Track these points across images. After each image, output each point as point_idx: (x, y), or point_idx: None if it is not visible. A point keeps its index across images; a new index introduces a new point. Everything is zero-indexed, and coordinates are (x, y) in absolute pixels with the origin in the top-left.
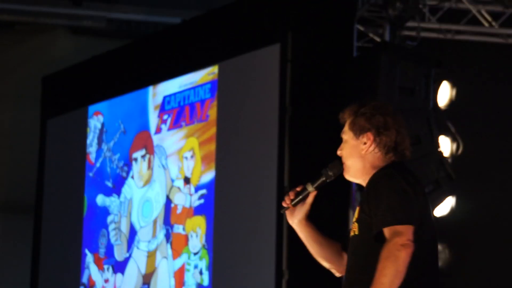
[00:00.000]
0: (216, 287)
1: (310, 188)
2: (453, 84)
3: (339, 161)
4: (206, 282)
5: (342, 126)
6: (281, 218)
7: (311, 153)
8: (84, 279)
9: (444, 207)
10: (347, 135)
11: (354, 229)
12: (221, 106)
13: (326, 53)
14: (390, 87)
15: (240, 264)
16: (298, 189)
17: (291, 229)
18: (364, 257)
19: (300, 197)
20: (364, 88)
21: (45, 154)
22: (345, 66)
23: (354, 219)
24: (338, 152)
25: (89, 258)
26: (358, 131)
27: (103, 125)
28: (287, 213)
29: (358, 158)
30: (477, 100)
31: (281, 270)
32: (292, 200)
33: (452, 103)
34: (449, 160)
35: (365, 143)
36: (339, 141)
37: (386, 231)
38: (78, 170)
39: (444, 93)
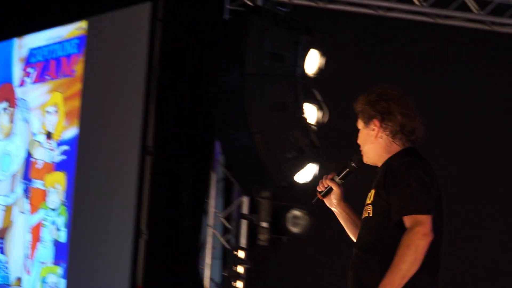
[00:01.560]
0: (74, 245)
1: (337, 179)
2: (323, 52)
3: (359, 152)
4: (63, 239)
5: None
6: (142, 178)
7: (177, 114)
8: None
9: (307, 174)
10: (360, 124)
11: (369, 211)
12: (88, 62)
13: (197, 14)
14: (259, 52)
15: (98, 223)
16: (326, 181)
17: (152, 190)
18: (376, 239)
19: (328, 188)
20: (233, 51)
21: None
22: (216, 28)
23: (369, 201)
24: (358, 141)
25: None
26: (367, 119)
27: None
28: (325, 200)
29: (371, 145)
30: (346, 69)
31: (139, 229)
32: (321, 192)
33: (320, 72)
34: (314, 127)
35: (373, 130)
36: (207, 101)
37: (407, 219)
38: None
39: (313, 61)
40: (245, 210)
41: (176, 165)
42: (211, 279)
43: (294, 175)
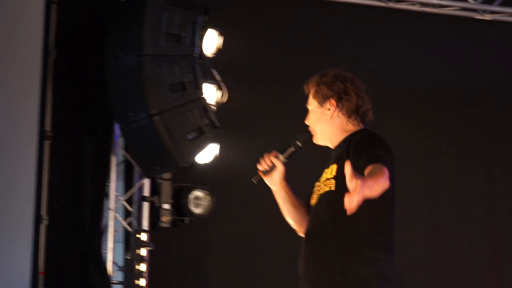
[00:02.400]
0: None
1: (281, 158)
2: (220, 32)
3: (305, 131)
4: None
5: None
6: (41, 164)
7: (75, 97)
8: None
9: (208, 155)
10: (312, 104)
11: (330, 185)
12: None
13: None
14: (156, 33)
15: None
16: (270, 159)
17: (52, 175)
18: (340, 211)
19: (271, 167)
20: (130, 32)
21: None
22: (112, 9)
23: (330, 176)
24: (306, 122)
25: None
26: (322, 99)
27: None
28: (266, 178)
29: (326, 124)
30: (244, 49)
31: (39, 215)
32: (264, 171)
33: (218, 51)
34: (214, 108)
35: (329, 109)
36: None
37: (373, 165)
38: None
39: (211, 41)
40: (146, 192)
41: (76, 149)
42: (114, 263)
43: (195, 156)
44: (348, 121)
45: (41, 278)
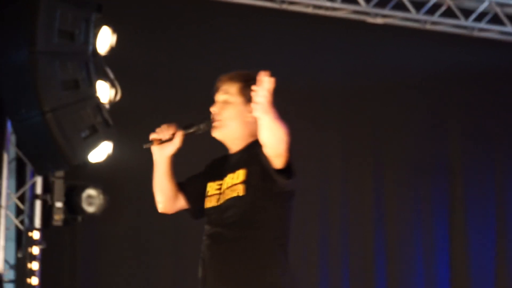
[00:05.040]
0: None
1: (180, 132)
2: (114, 30)
3: (211, 119)
4: None
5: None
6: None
7: None
8: None
9: (101, 153)
10: (234, 98)
11: (238, 190)
12: None
13: None
14: (48, 30)
15: None
16: (171, 130)
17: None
18: (252, 215)
19: (168, 138)
20: (22, 28)
21: None
22: (3, 4)
23: (237, 181)
24: (214, 110)
25: None
26: (249, 99)
27: None
28: (156, 147)
29: (241, 123)
30: (138, 47)
31: None
32: (160, 140)
33: (112, 50)
34: (107, 106)
35: (251, 112)
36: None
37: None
38: None
39: (104, 39)
40: (38, 190)
41: None
42: (6, 261)
43: (87, 154)
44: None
45: None
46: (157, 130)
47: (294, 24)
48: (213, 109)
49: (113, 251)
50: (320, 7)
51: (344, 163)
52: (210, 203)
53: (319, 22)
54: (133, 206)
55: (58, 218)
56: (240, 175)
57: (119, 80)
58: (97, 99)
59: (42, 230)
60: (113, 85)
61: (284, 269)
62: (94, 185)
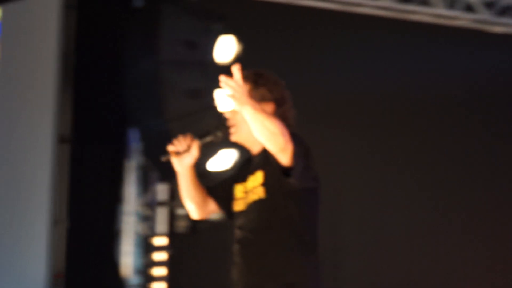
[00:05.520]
0: None
1: (197, 142)
2: (237, 39)
3: (225, 125)
4: None
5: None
6: (59, 166)
7: (93, 102)
8: None
9: (222, 161)
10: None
11: (259, 193)
12: (4, 50)
13: (109, 1)
14: (172, 39)
15: (13, 213)
16: (187, 142)
17: (71, 178)
18: (275, 217)
19: (184, 149)
20: (146, 39)
21: None
22: (129, 15)
23: (257, 184)
24: (227, 115)
25: None
26: (259, 100)
27: None
28: (175, 160)
29: None
30: (261, 57)
31: (57, 218)
32: (177, 152)
33: (234, 59)
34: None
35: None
36: (122, 89)
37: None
38: None
39: (226, 48)
40: (163, 197)
41: (94, 152)
42: (131, 267)
43: (209, 162)
44: None
45: (60, 281)
46: (174, 141)
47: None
48: (227, 114)
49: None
50: (439, 16)
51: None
52: (238, 206)
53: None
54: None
55: (181, 224)
56: (258, 177)
57: None
58: (219, 107)
59: (166, 236)
60: None
61: (306, 268)
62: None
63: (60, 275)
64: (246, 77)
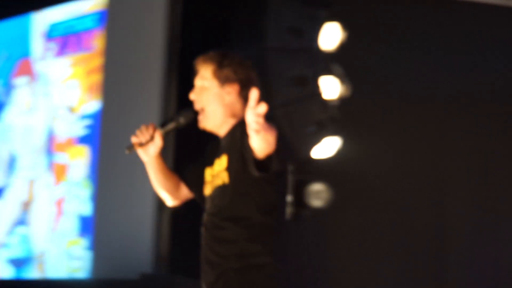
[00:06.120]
0: (99, 217)
1: (162, 131)
2: (343, 26)
3: (191, 109)
4: (88, 212)
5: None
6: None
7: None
8: None
9: (328, 148)
10: (209, 82)
11: (224, 178)
12: (110, 36)
13: None
14: (278, 26)
15: (123, 196)
16: (149, 132)
17: (176, 162)
18: (237, 203)
19: (147, 139)
20: (253, 25)
21: None
22: (234, 3)
23: (221, 168)
24: (192, 97)
25: None
26: (224, 80)
27: None
28: (140, 151)
29: (220, 107)
30: (367, 44)
31: (162, 203)
32: (141, 143)
33: (341, 46)
34: (336, 102)
35: (229, 93)
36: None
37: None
38: None
39: (333, 35)
40: None
41: (199, 138)
42: None
43: (314, 149)
44: (243, 109)
45: (165, 264)
46: (137, 132)
47: None
48: (191, 96)
49: (340, 246)
50: None
51: None
52: (207, 190)
53: None
54: (359, 202)
55: (288, 212)
56: (223, 161)
57: (348, 76)
58: (324, 95)
59: None
60: (342, 81)
61: (272, 251)
62: (322, 180)
63: (165, 259)
64: (210, 58)
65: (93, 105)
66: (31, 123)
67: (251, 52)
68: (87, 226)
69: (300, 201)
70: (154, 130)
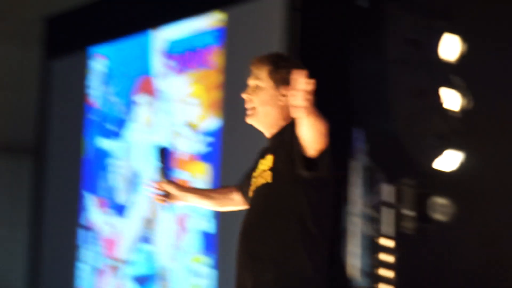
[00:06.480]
0: (223, 235)
1: (162, 179)
2: (463, 37)
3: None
4: (211, 229)
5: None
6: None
7: (318, 102)
8: (83, 221)
9: (450, 161)
10: (264, 82)
11: (267, 177)
12: (229, 54)
13: (335, 3)
14: (397, 39)
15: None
16: (157, 189)
17: None
18: (279, 203)
19: (164, 193)
20: (372, 39)
21: (47, 95)
22: (354, 16)
23: (266, 168)
24: (246, 96)
25: (89, 200)
26: (280, 82)
27: (107, 68)
28: (172, 202)
29: (274, 108)
30: (489, 55)
31: None
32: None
33: (461, 57)
34: (457, 114)
35: (283, 95)
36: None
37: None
38: (80, 112)
39: (452, 46)
40: (389, 198)
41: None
42: (357, 268)
43: (436, 162)
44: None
45: None
46: (152, 196)
47: None
48: (244, 95)
49: (463, 260)
50: None
51: None
52: (250, 192)
53: None
54: (484, 215)
55: (408, 226)
56: (268, 161)
57: (471, 87)
58: (445, 107)
59: (392, 237)
60: (463, 93)
61: (308, 260)
62: (443, 194)
63: None
64: (266, 59)
65: (213, 122)
66: (152, 140)
67: (370, 65)
68: (211, 243)
69: (423, 214)
70: (158, 184)
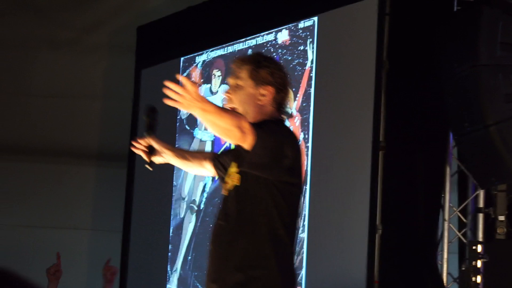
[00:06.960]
0: (311, 242)
1: (147, 137)
2: None
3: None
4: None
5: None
6: (375, 173)
7: (407, 108)
8: (174, 225)
9: None
10: (244, 82)
11: (235, 179)
12: (319, 59)
13: (425, 7)
14: (491, 43)
15: (334, 220)
16: (140, 144)
17: (385, 185)
18: (246, 206)
19: (147, 149)
20: (464, 43)
21: (139, 103)
22: (445, 20)
23: (235, 170)
24: (226, 95)
25: (182, 204)
26: (260, 82)
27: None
28: (154, 159)
29: (253, 107)
30: None
31: (374, 224)
32: (149, 163)
33: None
34: None
35: (263, 95)
36: (440, 94)
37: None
38: (171, 120)
39: None
40: (481, 203)
41: (409, 159)
42: (449, 274)
43: None
44: (274, 113)
45: (376, 287)
46: (135, 150)
47: None
48: (225, 94)
49: None
50: None
51: None
52: (223, 191)
53: None
54: None
55: (500, 231)
56: (233, 166)
57: None
58: None
59: (485, 243)
60: None
61: (275, 264)
62: None
63: (376, 282)
64: (248, 58)
65: None
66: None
67: (462, 69)
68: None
69: None
70: (145, 141)
